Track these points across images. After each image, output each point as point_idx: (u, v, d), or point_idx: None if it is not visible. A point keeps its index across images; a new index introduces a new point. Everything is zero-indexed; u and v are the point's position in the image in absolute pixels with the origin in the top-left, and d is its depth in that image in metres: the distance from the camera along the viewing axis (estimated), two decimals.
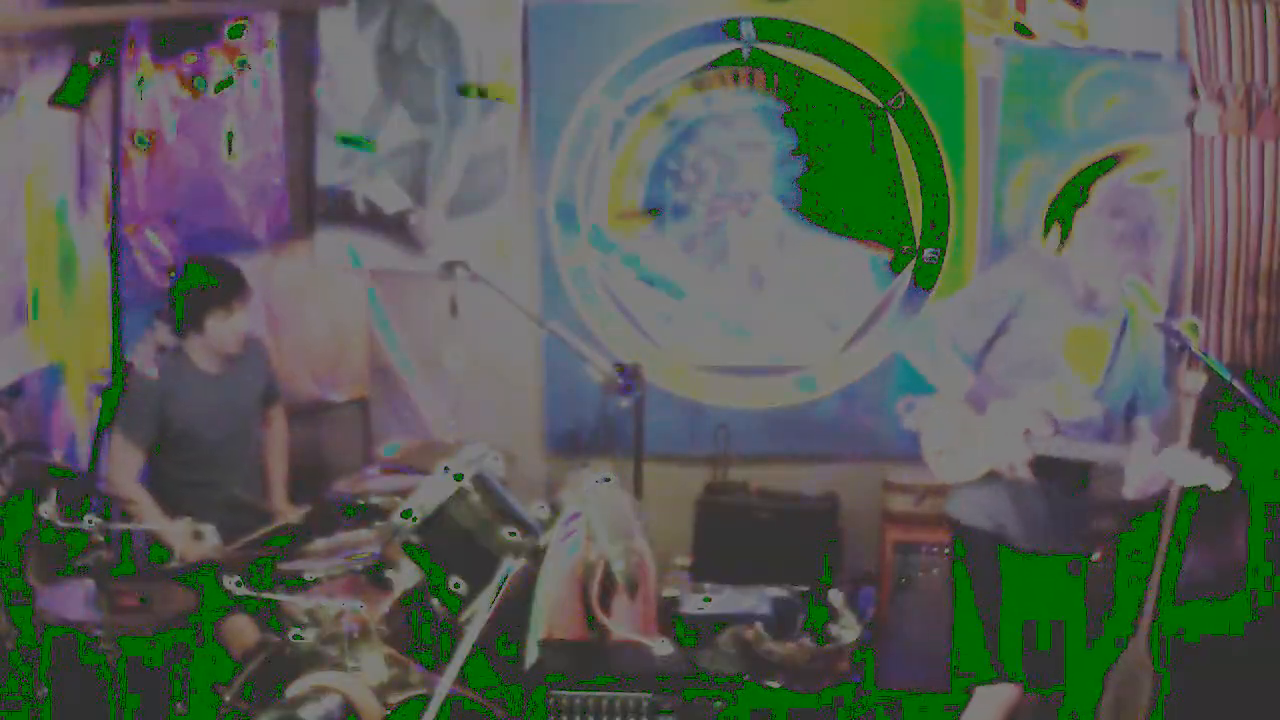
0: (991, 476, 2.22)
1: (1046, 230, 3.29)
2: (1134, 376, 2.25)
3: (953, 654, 2.40)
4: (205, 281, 2.73)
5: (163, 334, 2.73)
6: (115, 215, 2.92)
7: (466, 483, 2.00)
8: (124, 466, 2.68)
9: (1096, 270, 2.19)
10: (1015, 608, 2.23)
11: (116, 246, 2.91)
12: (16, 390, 2.76)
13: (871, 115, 3.36)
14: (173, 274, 2.88)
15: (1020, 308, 2.22)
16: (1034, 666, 2.23)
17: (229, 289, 2.73)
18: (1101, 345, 2.23)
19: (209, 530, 2.34)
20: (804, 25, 3.35)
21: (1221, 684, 2.64)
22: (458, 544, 1.98)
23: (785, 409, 3.52)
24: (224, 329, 2.73)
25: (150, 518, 2.62)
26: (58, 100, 2.74)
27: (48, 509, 2.16)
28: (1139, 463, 2.04)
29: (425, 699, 1.76)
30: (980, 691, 2.27)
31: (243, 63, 3.37)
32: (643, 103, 3.42)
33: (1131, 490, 2.07)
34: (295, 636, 1.96)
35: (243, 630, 2.46)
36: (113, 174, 2.93)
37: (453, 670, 1.74)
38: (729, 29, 3.37)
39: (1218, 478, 1.93)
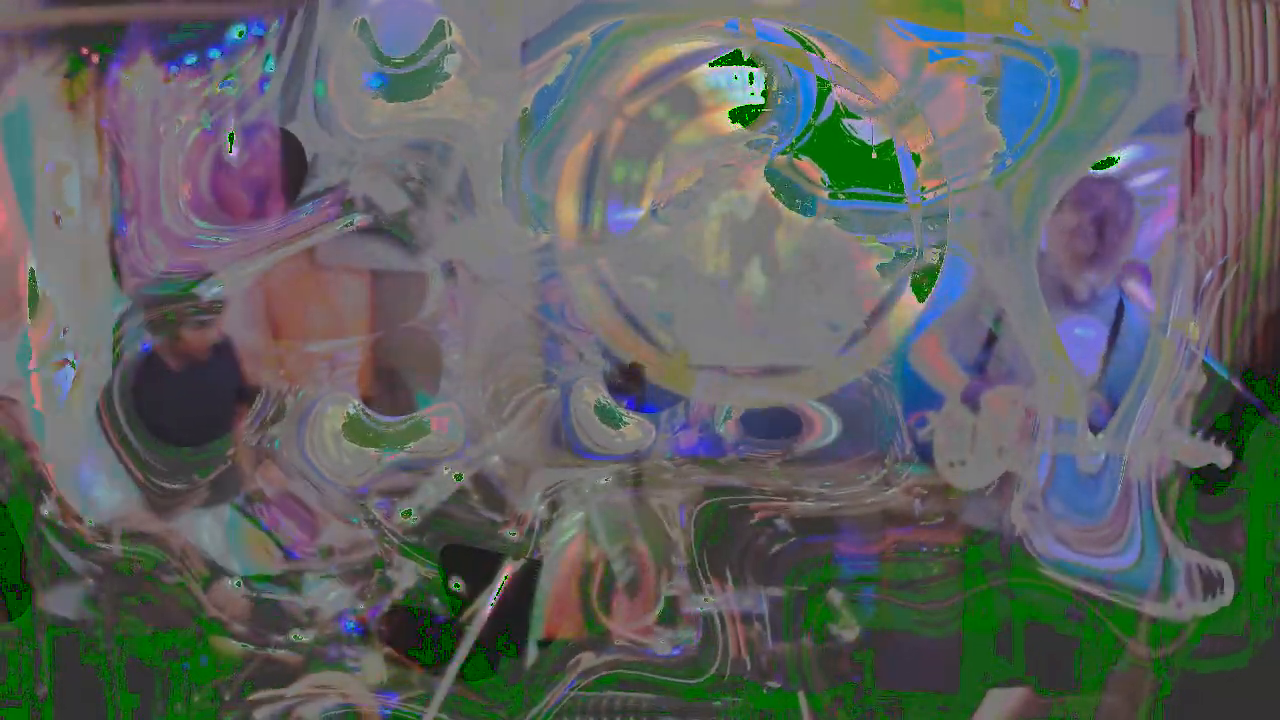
0: (1003, 480, 2.23)
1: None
2: (1134, 371, 2.26)
3: (960, 655, 2.41)
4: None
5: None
6: (115, 215, 2.92)
7: (467, 482, 2.00)
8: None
9: (1062, 263, 2.19)
10: (1024, 609, 2.24)
11: (116, 246, 2.91)
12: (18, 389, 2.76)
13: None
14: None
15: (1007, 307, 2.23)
16: (1044, 668, 2.23)
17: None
18: (1091, 339, 2.23)
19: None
20: (804, 26, 3.36)
21: (1221, 683, 2.64)
22: (457, 544, 1.99)
23: (785, 409, 3.52)
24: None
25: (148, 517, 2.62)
26: (57, 99, 2.75)
27: (49, 509, 2.17)
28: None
29: (425, 699, 1.77)
30: (991, 693, 2.27)
31: (243, 62, 3.37)
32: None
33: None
34: (295, 636, 1.96)
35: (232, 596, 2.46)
36: (112, 173, 2.93)
37: (453, 670, 1.74)
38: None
39: (1222, 458, 1.94)
